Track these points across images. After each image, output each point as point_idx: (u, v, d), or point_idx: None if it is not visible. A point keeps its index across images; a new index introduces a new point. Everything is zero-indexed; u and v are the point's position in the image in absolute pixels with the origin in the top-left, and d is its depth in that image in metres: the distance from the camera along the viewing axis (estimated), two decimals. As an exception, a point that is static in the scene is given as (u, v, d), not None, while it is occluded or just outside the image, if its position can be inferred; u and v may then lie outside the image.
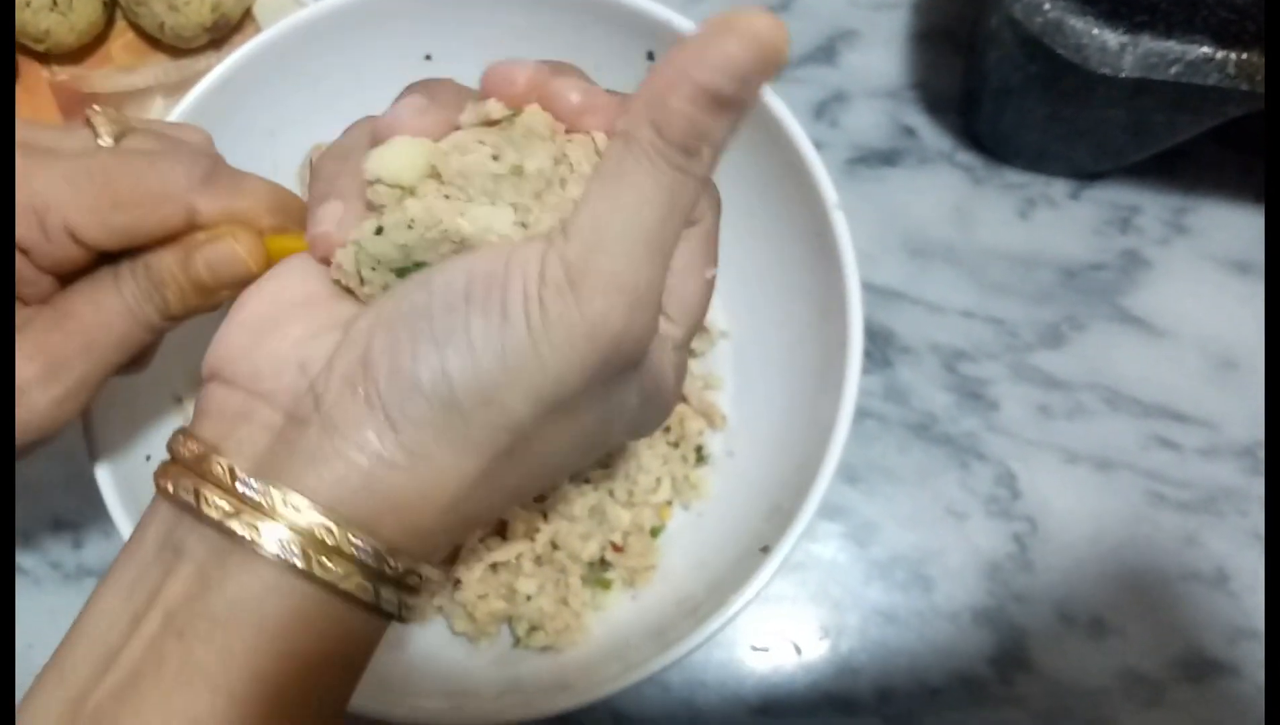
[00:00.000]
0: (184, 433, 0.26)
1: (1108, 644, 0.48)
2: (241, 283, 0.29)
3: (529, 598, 0.44)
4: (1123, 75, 0.44)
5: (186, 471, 0.25)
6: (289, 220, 0.31)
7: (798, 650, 0.48)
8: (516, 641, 0.45)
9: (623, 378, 0.26)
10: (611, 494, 0.46)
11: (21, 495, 0.50)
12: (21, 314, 0.31)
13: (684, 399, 0.48)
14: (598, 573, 0.46)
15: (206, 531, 0.24)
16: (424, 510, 0.25)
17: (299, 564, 0.23)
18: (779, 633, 0.49)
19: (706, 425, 0.48)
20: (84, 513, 0.51)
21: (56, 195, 0.29)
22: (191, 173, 0.30)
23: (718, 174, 0.26)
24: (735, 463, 0.48)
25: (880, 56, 0.58)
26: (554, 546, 0.45)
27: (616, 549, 0.45)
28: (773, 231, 0.46)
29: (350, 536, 0.24)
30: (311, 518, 0.23)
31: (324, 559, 0.24)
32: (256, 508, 0.24)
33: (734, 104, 0.23)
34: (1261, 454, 0.50)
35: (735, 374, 0.49)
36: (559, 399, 0.24)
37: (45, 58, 0.55)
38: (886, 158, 0.56)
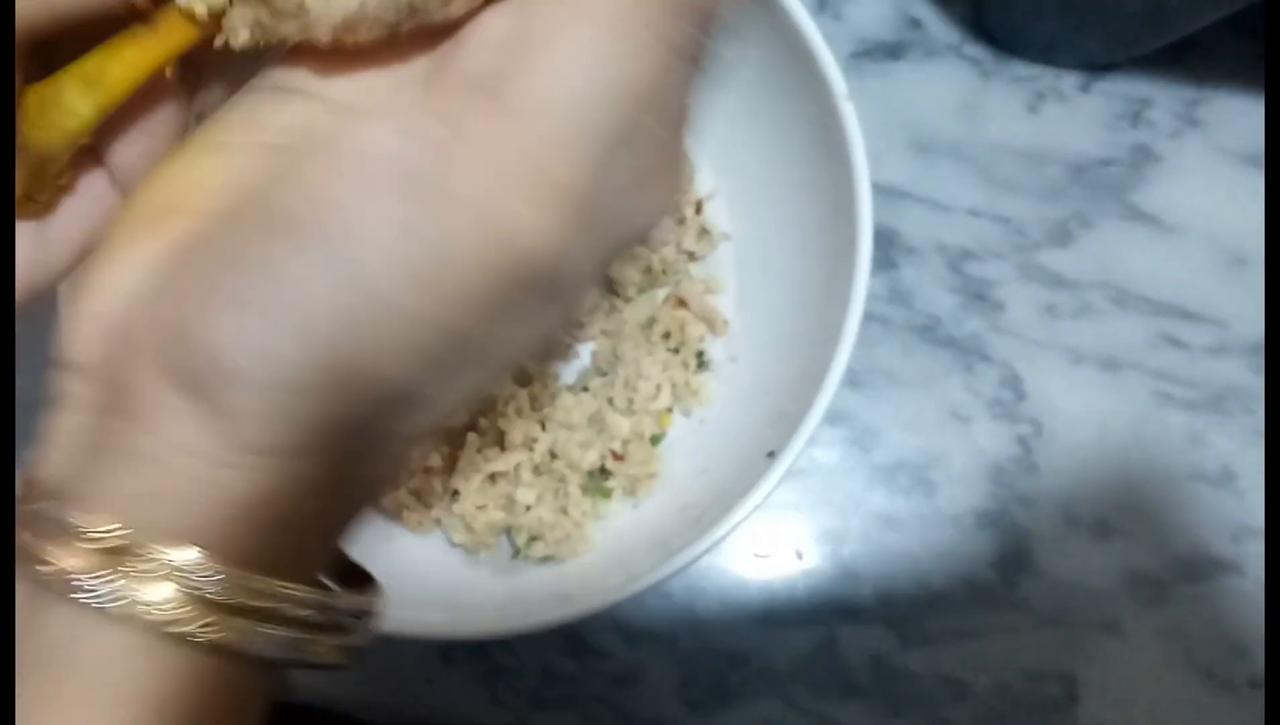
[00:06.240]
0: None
1: (1112, 544, 0.48)
2: None
3: (528, 508, 0.43)
4: (1144, -44, 0.42)
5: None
6: None
7: (800, 557, 0.48)
8: (516, 552, 0.44)
9: (541, 291, 0.18)
10: (610, 401, 0.45)
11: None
12: None
13: (684, 304, 0.47)
14: (598, 481, 0.45)
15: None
16: (273, 510, 0.18)
17: (93, 589, 0.17)
18: (781, 539, 0.48)
19: (707, 330, 0.47)
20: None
21: None
22: None
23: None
24: (737, 368, 0.47)
25: (884, -57, 0.55)
26: (553, 455, 0.44)
27: (616, 457, 0.45)
28: (777, 128, 0.44)
29: (156, 546, 0.17)
30: (106, 529, 0.17)
31: (122, 581, 0.17)
32: (40, 531, 0.17)
33: None
34: (1270, 352, 0.49)
35: (738, 277, 0.48)
36: (448, 344, 0.18)
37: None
38: (891, 51, 0.53)
